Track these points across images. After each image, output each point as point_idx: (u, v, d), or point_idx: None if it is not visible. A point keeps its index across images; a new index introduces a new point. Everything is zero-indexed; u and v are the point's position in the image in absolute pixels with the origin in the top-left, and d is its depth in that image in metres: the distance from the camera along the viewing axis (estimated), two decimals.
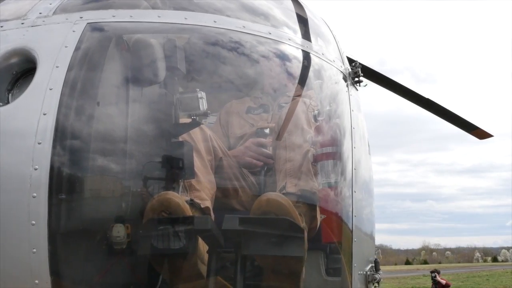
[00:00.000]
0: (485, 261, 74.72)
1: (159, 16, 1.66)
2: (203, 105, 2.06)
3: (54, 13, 1.70)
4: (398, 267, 60.29)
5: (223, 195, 2.29)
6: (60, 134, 1.43)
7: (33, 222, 1.35)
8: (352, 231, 1.79)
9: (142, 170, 1.80)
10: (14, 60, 1.58)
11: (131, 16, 1.65)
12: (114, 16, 1.65)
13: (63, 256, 1.42)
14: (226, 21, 1.72)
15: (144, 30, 1.71)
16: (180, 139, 2.12)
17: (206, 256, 1.86)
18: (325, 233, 1.92)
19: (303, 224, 1.75)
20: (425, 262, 65.64)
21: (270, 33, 1.79)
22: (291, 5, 2.28)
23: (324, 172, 1.93)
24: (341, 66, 2.08)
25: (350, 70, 2.12)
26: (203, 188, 2.14)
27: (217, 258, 1.81)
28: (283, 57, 1.97)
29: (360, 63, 2.15)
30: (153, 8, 1.80)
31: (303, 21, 2.15)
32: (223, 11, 1.78)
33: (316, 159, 2.02)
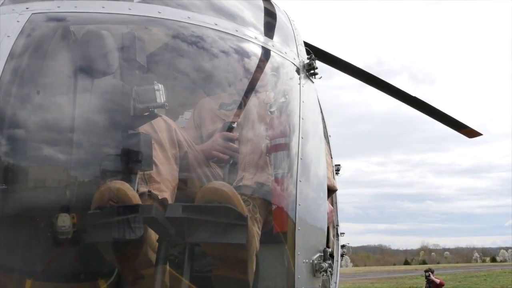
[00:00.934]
0: (483, 261, 74.72)
1: (103, 7, 1.69)
2: (160, 97, 2.08)
3: (2, 4, 1.73)
4: (396, 267, 60.40)
5: (186, 187, 2.32)
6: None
7: None
8: (295, 220, 1.82)
9: (90, 160, 1.83)
10: None
11: (75, 7, 1.68)
12: (59, 7, 1.68)
13: (4, 244, 1.45)
14: (172, 12, 1.74)
15: (88, 21, 1.74)
16: (143, 131, 2.16)
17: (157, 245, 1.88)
18: (275, 223, 1.95)
19: (247, 213, 1.79)
20: (424, 262, 65.73)
21: (216, 24, 1.82)
22: None
23: (274, 163, 1.96)
24: (295, 59, 2.10)
25: (305, 62, 2.15)
26: (163, 180, 2.16)
27: (166, 247, 1.84)
28: (232, 50, 1.99)
29: (314, 57, 2.18)
30: None
31: (257, 13, 2.18)
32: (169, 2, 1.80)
33: (269, 151, 2.05)
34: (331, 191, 2.97)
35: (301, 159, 1.89)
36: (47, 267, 1.67)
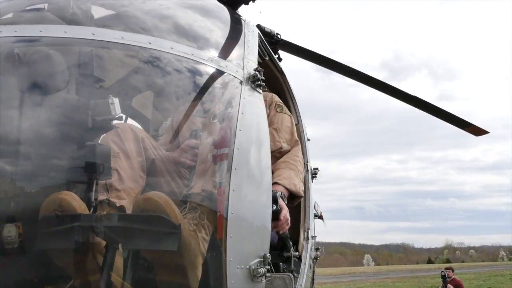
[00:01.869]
0: (510, 260, 72.92)
1: (41, 31, 1.82)
2: (115, 110, 2.20)
3: None
4: (419, 266, 59.58)
5: None
6: None
7: None
8: (226, 228, 1.91)
9: (38, 172, 1.95)
10: None
11: (15, 31, 1.82)
12: (1, 32, 1.82)
13: None
14: (104, 32, 1.86)
15: (30, 44, 1.86)
16: (107, 141, 2.27)
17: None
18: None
19: (181, 222, 1.89)
20: (448, 261, 64.58)
21: (150, 43, 1.93)
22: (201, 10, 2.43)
23: (214, 173, 2.06)
24: (237, 72, 2.19)
25: (250, 74, 2.23)
26: (125, 188, 2.26)
27: (111, 253, 1.95)
28: (167, 68, 2.09)
29: (260, 69, 2.27)
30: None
31: (204, 27, 2.28)
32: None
33: (212, 161, 2.15)
34: (297, 197, 3.04)
35: (235, 169, 1.98)
36: None
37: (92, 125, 2.19)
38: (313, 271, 4.81)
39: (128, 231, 1.85)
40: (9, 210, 1.84)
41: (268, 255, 2.09)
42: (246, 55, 2.33)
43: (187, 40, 2.19)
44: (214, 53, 2.20)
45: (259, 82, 2.26)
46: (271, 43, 5.94)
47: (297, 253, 3.07)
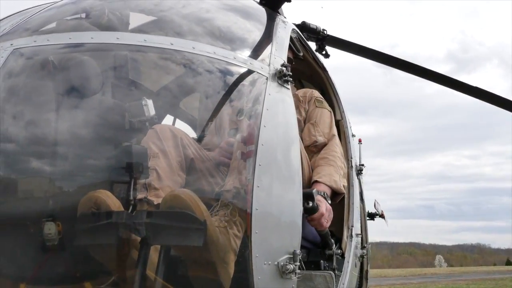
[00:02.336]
0: None
1: (70, 38, 1.93)
2: (149, 111, 2.29)
3: None
4: (496, 268, 56.05)
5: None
6: None
7: None
8: (251, 224, 1.92)
9: (76, 172, 2.06)
10: None
11: (48, 40, 1.94)
12: (35, 41, 1.95)
13: None
14: (127, 36, 1.94)
15: (59, 51, 1.98)
16: (151, 143, 2.37)
17: None
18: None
19: (206, 218, 1.92)
20: None
21: (172, 44, 1.98)
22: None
23: (241, 170, 2.08)
24: (262, 68, 2.19)
25: (277, 69, 2.23)
26: (163, 187, 2.34)
27: (145, 249, 2.02)
28: (188, 67, 2.13)
29: (287, 64, 2.26)
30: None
31: (231, 23, 2.31)
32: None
33: (241, 157, 2.17)
34: (339, 194, 2.99)
35: (259, 165, 1.97)
36: (37, 272, 1.92)
37: (128, 126, 2.29)
38: (366, 270, 4.68)
39: (155, 227, 1.91)
40: (49, 208, 1.96)
41: (298, 251, 2.07)
42: (274, 52, 2.32)
43: (211, 39, 2.22)
44: (238, 51, 2.21)
45: (286, 78, 2.25)
46: (318, 39, 5.88)
47: (339, 251, 3.01)
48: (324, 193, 2.78)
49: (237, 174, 2.21)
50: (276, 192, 2.02)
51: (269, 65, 2.23)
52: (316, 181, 2.88)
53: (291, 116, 2.24)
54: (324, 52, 6.10)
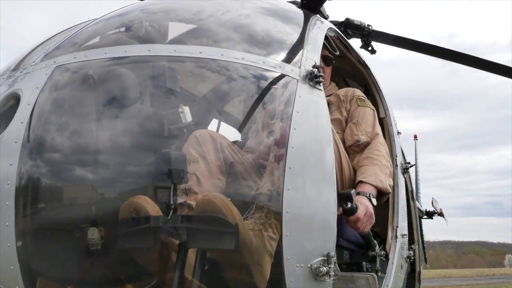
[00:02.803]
0: None
1: (105, 53, 2.05)
2: (185, 118, 2.37)
3: (41, 60, 2.19)
4: None
5: (231, 195, 2.55)
6: (26, 157, 1.90)
7: (7, 223, 1.82)
8: (282, 227, 1.94)
9: (117, 179, 2.17)
10: (11, 102, 2.10)
11: (86, 56, 2.07)
12: (75, 58, 2.09)
13: (33, 251, 1.86)
14: (157, 47, 2.02)
15: (96, 65, 2.11)
16: (191, 148, 2.46)
17: None
18: None
19: (238, 221, 1.96)
20: None
21: (201, 52, 2.04)
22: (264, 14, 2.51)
23: (274, 173, 2.10)
24: (292, 71, 2.20)
25: (308, 71, 2.23)
26: (203, 191, 2.41)
27: (182, 252, 2.09)
28: (217, 75, 2.19)
29: (318, 65, 2.26)
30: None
31: (261, 32, 2.34)
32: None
33: (275, 161, 2.19)
34: (385, 194, 2.94)
35: (289, 168, 1.99)
36: (83, 276, 2.04)
37: (166, 134, 2.38)
38: (418, 271, 4.55)
39: (189, 231, 1.98)
40: (92, 214, 2.08)
41: (332, 253, 2.06)
42: (305, 54, 2.33)
43: (245, 45, 2.27)
44: (269, 55, 2.24)
45: (317, 79, 2.24)
46: (363, 35, 5.77)
47: (383, 252, 2.95)
48: (369, 194, 2.74)
49: (271, 176, 2.24)
50: (308, 195, 2.02)
51: (300, 67, 2.24)
52: (361, 181, 2.84)
53: (324, 117, 2.23)
54: (370, 48, 5.98)
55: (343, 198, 2.51)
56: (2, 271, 1.80)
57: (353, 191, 2.52)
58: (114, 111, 2.17)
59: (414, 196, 4.65)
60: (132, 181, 2.23)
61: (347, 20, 5.40)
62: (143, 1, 2.97)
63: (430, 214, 10.78)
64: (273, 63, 2.17)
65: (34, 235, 1.94)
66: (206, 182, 2.41)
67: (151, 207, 2.12)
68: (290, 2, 5.04)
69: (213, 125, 2.92)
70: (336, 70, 4.25)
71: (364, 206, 2.64)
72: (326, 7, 5.06)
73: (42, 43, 2.54)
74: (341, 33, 3.47)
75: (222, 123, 2.82)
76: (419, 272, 4.59)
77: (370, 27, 5.57)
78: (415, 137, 12.09)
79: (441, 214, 10.79)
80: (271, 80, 2.22)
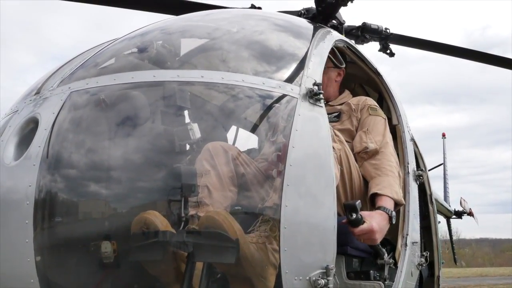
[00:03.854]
0: None
1: (114, 79, 2.21)
2: (194, 135, 2.49)
3: (58, 86, 2.37)
4: None
5: (242, 205, 2.66)
6: (42, 177, 2.07)
7: (27, 240, 2.00)
8: (279, 241, 2.04)
9: (129, 194, 2.32)
10: (31, 126, 2.28)
11: (97, 82, 2.23)
12: (87, 84, 2.26)
13: (50, 265, 2.03)
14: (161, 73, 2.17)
15: (106, 91, 2.26)
16: (204, 160, 2.58)
17: None
18: None
19: (239, 236, 2.07)
20: None
21: (202, 76, 2.18)
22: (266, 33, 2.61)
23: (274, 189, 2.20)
24: (292, 90, 2.29)
25: (307, 89, 2.31)
26: (214, 203, 2.53)
27: (190, 265, 2.22)
28: (219, 97, 2.31)
29: (319, 83, 2.34)
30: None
31: (263, 52, 2.44)
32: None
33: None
34: (398, 205, 2.97)
35: (287, 185, 2.08)
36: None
37: (177, 150, 2.50)
38: (437, 276, 4.53)
39: (193, 245, 2.11)
40: (106, 229, 2.24)
41: (331, 266, 2.14)
42: (306, 71, 2.41)
43: (240, 67, 2.37)
44: (268, 75, 2.33)
45: (317, 97, 2.32)
46: (381, 39, 5.76)
47: (392, 260, 2.99)
48: (390, 212, 2.74)
49: (274, 193, 2.33)
50: (306, 210, 2.11)
51: (300, 85, 2.32)
52: (377, 194, 2.87)
53: (324, 133, 2.31)
54: (388, 52, 5.97)
55: (349, 209, 2.57)
56: (23, 284, 1.98)
57: (358, 202, 2.57)
58: (124, 132, 2.32)
59: (433, 200, 4.62)
60: (143, 197, 2.37)
61: (364, 24, 5.42)
62: (165, 21, 3.10)
63: (459, 214, 10.65)
64: (273, 84, 2.27)
65: (51, 250, 2.11)
66: (217, 194, 2.51)
67: (160, 221, 2.26)
68: (304, 9, 5.10)
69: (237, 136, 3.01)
70: (352, 76, 4.30)
71: (370, 225, 2.59)
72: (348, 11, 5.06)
73: (61, 67, 2.72)
74: (350, 43, 3.52)
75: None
76: (438, 276, 4.58)
77: (388, 30, 5.57)
78: (443, 135, 11.92)
79: (470, 214, 10.63)
80: (271, 100, 2.31)
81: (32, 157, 2.11)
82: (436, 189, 10.50)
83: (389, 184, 2.86)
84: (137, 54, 2.61)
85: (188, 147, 2.48)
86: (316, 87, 2.32)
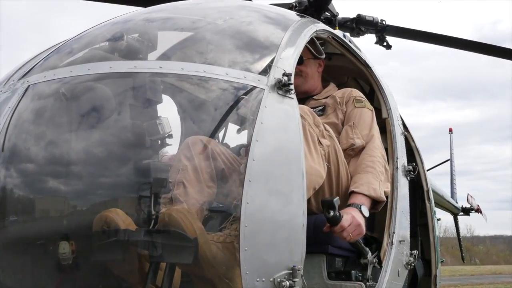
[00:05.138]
0: None
1: (71, 71, 2.12)
2: (163, 129, 2.39)
3: (18, 79, 2.28)
4: None
5: (219, 201, 2.56)
6: None
7: None
8: (239, 241, 1.92)
9: (89, 191, 2.22)
10: None
11: (54, 75, 2.14)
12: (45, 77, 2.17)
13: (3, 266, 1.94)
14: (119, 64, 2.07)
15: (62, 83, 2.17)
16: (182, 156, 2.47)
17: None
18: None
19: (198, 235, 1.97)
20: None
21: (161, 67, 2.06)
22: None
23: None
24: (259, 81, 2.17)
25: (276, 80, 2.19)
26: (189, 200, 2.42)
27: (153, 266, 2.11)
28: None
29: (288, 73, 2.22)
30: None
31: (233, 42, 2.33)
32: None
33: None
34: (380, 202, 2.87)
35: (249, 181, 1.97)
36: None
37: (146, 145, 2.39)
38: (434, 275, 4.38)
39: (152, 244, 2.01)
40: (64, 228, 2.13)
41: (298, 266, 2.03)
42: (276, 61, 2.28)
43: (203, 57, 2.26)
44: (234, 66, 2.22)
45: (287, 88, 2.20)
46: (377, 31, 5.61)
47: (376, 260, 2.87)
48: (360, 206, 2.68)
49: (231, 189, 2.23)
50: (270, 208, 2.00)
51: (268, 76, 2.20)
52: (353, 192, 2.79)
53: (294, 127, 2.19)
54: (385, 44, 5.80)
55: (326, 206, 2.46)
56: None
57: (336, 198, 2.46)
58: (83, 125, 2.22)
59: (430, 196, 4.47)
60: (106, 194, 2.27)
61: (359, 16, 5.27)
62: (150, 8, 2.98)
63: (466, 211, 10.43)
64: (237, 74, 2.15)
65: (4, 250, 2.03)
66: (193, 190, 2.40)
67: (122, 220, 2.15)
68: (296, 2, 4.96)
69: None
70: (343, 69, 4.17)
71: (350, 215, 2.57)
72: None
73: (30, 60, 2.64)
74: (336, 33, 3.39)
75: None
76: (435, 275, 4.43)
77: (384, 22, 5.41)
78: (450, 130, 11.68)
79: (478, 210, 10.41)
80: (234, 91, 2.20)
81: None
82: (443, 185, 10.28)
83: (367, 182, 2.77)
84: (108, 45, 2.52)
85: (149, 142, 2.36)
86: (286, 78, 2.20)
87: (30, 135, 2.12)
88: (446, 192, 9.71)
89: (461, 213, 10.42)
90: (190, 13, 2.68)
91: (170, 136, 2.38)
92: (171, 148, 2.36)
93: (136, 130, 2.19)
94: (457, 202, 10.46)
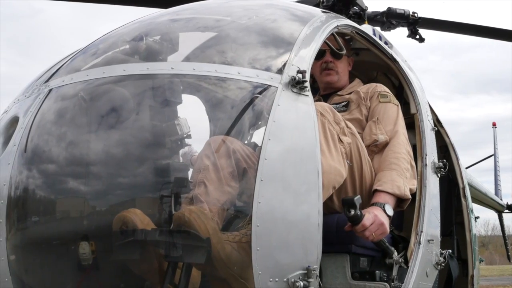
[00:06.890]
0: None
1: (87, 75, 2.17)
2: (181, 130, 2.41)
3: (41, 85, 2.36)
4: None
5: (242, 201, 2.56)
6: (16, 176, 2.06)
7: (0, 239, 2.00)
8: (251, 242, 1.90)
9: (109, 191, 2.26)
10: (15, 126, 2.28)
11: (72, 79, 2.20)
12: (63, 81, 2.22)
13: (24, 266, 2.01)
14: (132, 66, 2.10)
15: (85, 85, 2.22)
16: (204, 156, 2.49)
17: None
18: None
19: (211, 235, 1.97)
20: None
21: (172, 68, 2.06)
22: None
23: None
24: (272, 79, 2.14)
25: (290, 77, 2.16)
26: (210, 200, 2.43)
27: (172, 266, 2.13)
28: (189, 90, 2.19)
29: (303, 70, 2.17)
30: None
31: (250, 42, 2.32)
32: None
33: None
34: (405, 200, 2.78)
35: (261, 180, 1.94)
36: None
37: (162, 145, 2.41)
38: (471, 275, 4.20)
39: (167, 244, 2.03)
40: (83, 229, 2.18)
41: (314, 267, 1.99)
42: (291, 59, 2.25)
43: (216, 57, 2.25)
44: (246, 65, 2.20)
45: (302, 85, 2.16)
46: (409, 23, 5.44)
47: (402, 260, 2.78)
48: (383, 205, 2.60)
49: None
50: (283, 208, 1.97)
51: (282, 74, 2.17)
52: (376, 190, 2.72)
53: (309, 125, 2.15)
54: (418, 37, 5.62)
55: (346, 205, 2.41)
56: None
57: (357, 197, 2.40)
58: (103, 127, 2.26)
59: (466, 194, 4.29)
60: (125, 194, 2.30)
61: (389, 9, 5.13)
62: (173, 8, 3.01)
63: (511, 208, 9.99)
64: (249, 73, 2.13)
65: (25, 250, 2.10)
66: (215, 190, 2.40)
67: (140, 220, 2.18)
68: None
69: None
70: (372, 65, 4.08)
71: (372, 214, 2.50)
72: None
73: (54, 65, 2.72)
74: (360, 28, 3.30)
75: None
76: (472, 275, 4.25)
77: (416, 15, 5.24)
78: (494, 124, 11.19)
79: (510, 208, 9.95)
80: (247, 91, 2.18)
81: (7, 156, 2.11)
82: (487, 182, 9.91)
83: (390, 179, 2.68)
84: (127, 48, 2.56)
85: (169, 142, 2.38)
86: (300, 75, 2.15)
87: (51, 138, 2.18)
88: (489, 189, 9.32)
89: (506, 211, 9.98)
90: (210, 12, 2.67)
91: (189, 136, 2.40)
92: (187, 149, 2.36)
93: (152, 131, 2.21)
94: (501, 199, 10.02)
